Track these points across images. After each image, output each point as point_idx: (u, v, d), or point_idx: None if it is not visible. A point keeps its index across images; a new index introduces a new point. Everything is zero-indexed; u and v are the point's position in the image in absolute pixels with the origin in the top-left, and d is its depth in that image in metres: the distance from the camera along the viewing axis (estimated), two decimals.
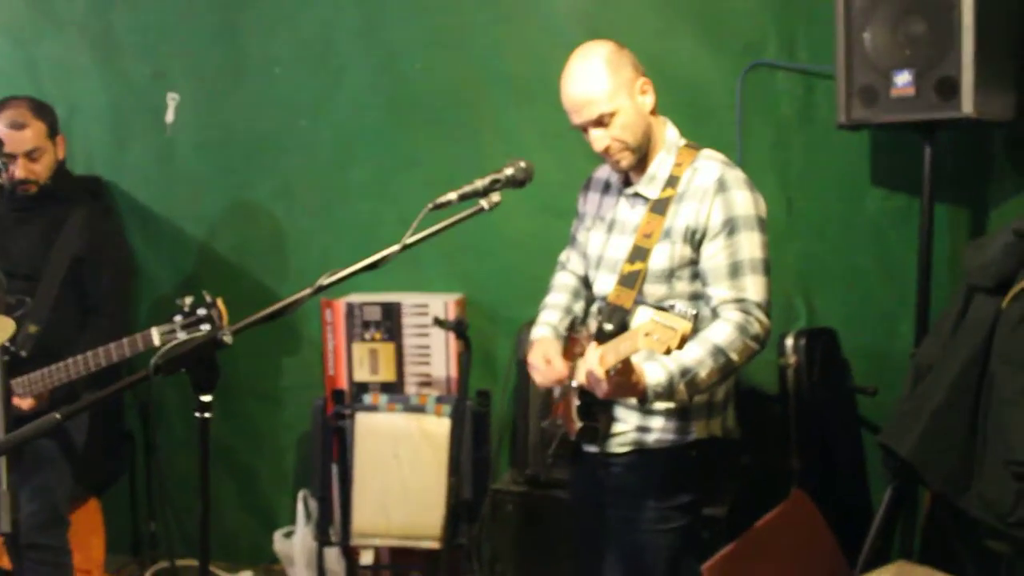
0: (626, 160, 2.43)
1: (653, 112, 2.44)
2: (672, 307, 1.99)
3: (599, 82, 2.33)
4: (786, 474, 3.15)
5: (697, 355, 2.25)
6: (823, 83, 3.28)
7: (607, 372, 2.17)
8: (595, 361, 2.17)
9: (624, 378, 2.17)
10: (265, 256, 4.01)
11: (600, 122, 2.37)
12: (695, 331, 2.12)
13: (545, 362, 2.53)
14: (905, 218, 3.29)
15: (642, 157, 2.44)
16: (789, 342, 3.20)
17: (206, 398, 1.91)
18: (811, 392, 3.16)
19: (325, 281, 2.02)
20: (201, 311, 2.88)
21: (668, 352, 1.97)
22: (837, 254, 3.42)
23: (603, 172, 2.61)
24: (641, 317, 2.39)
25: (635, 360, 2.20)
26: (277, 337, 3.96)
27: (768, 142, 3.42)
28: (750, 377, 3.29)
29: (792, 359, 3.18)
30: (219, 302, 2.90)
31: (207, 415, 1.92)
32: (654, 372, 2.22)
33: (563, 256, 2.86)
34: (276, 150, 3.95)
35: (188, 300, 2.90)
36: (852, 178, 3.37)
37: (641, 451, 2.44)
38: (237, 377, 3.97)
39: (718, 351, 2.27)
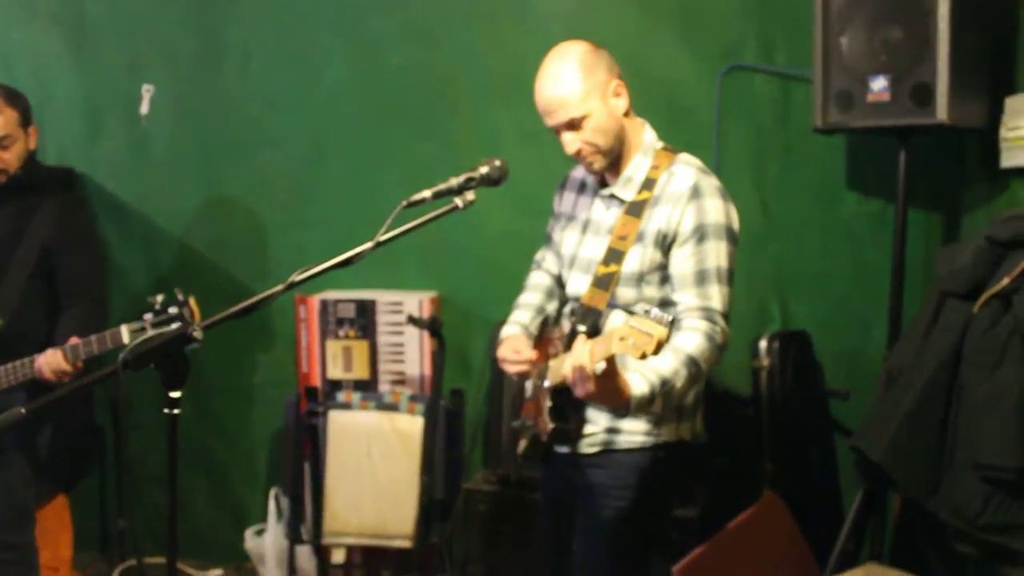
0: (598, 163, 2.44)
1: (627, 114, 2.44)
2: (648, 312, 1.98)
3: (571, 86, 2.33)
4: (758, 476, 3.16)
5: (672, 365, 2.24)
6: (800, 87, 3.31)
7: (593, 372, 2.15)
8: (584, 355, 2.14)
9: (610, 382, 2.16)
10: (240, 251, 4.00)
11: (572, 125, 2.37)
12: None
13: (515, 352, 2.54)
14: (879, 223, 3.32)
15: (616, 159, 2.45)
16: (763, 345, 3.21)
17: (175, 394, 1.91)
18: (784, 395, 3.18)
19: (298, 277, 2.02)
20: (173, 310, 2.86)
21: (643, 357, 1.97)
22: (812, 258, 3.44)
23: (579, 172, 2.62)
24: (615, 320, 2.40)
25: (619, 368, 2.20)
26: (250, 333, 3.95)
27: (745, 145, 3.45)
28: (723, 379, 3.32)
29: (766, 362, 3.19)
30: (191, 301, 2.88)
31: (176, 411, 1.91)
32: (638, 384, 2.22)
33: (539, 255, 2.86)
34: (252, 144, 3.94)
35: (160, 298, 2.88)
36: (828, 182, 3.39)
37: (610, 452, 2.44)
38: (209, 374, 3.95)
39: (691, 361, 2.27)
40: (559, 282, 2.75)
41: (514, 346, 2.55)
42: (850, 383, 3.29)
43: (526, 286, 2.81)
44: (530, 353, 2.52)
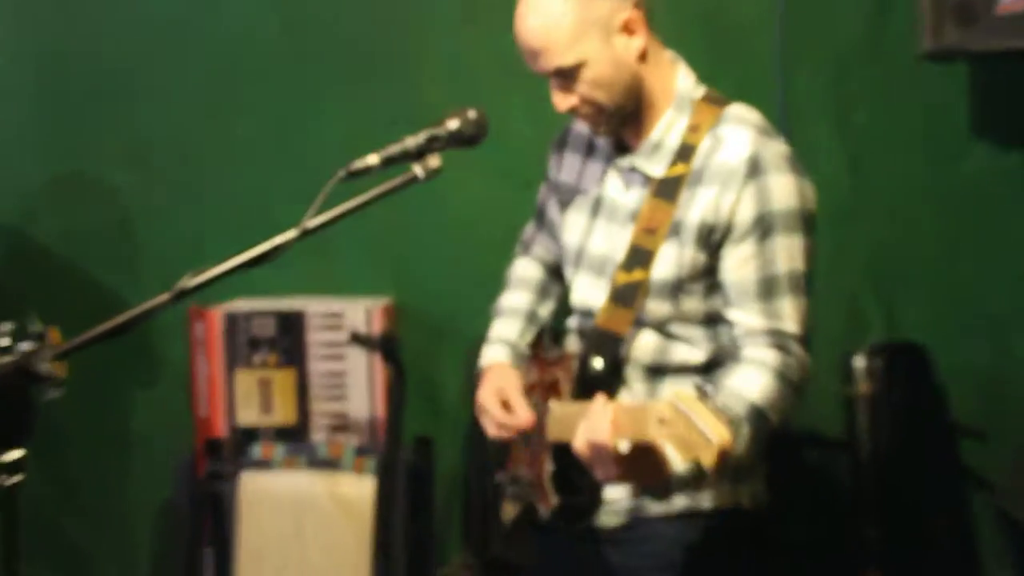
0: (603, 127, 2.47)
1: (645, 57, 2.43)
2: (708, 394, 2.02)
3: (555, 20, 2.35)
4: (857, 550, 3.19)
5: (732, 411, 2.24)
6: None
7: (618, 451, 2.14)
8: (604, 429, 2.12)
9: (641, 461, 2.15)
10: (104, 246, 4.01)
11: (561, 75, 2.40)
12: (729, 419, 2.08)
13: (502, 406, 2.56)
14: (1021, 184, 3.34)
15: (635, 116, 2.47)
16: (859, 364, 3.22)
17: (14, 455, 1.90)
18: (891, 434, 3.21)
19: (190, 283, 2.03)
20: (25, 345, 2.82)
21: (694, 462, 1.96)
22: (924, 237, 3.47)
23: (584, 125, 2.63)
24: (645, 344, 2.45)
25: None
26: (123, 364, 3.93)
27: (822, 82, 3.48)
28: (803, 413, 3.19)
29: (863, 387, 3.21)
30: (53, 333, 2.84)
31: (15, 479, 1.90)
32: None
33: (526, 233, 2.89)
34: (125, 95, 3.94)
35: (6, 328, 2.84)
36: (943, 130, 3.42)
37: (640, 523, 2.46)
38: (64, 423, 3.90)
39: (756, 414, 2.27)
40: (556, 273, 2.78)
41: (500, 391, 2.58)
42: (986, 417, 3.31)
43: (509, 280, 2.83)
44: (524, 414, 2.54)
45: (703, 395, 2.02)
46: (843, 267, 3.45)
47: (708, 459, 1.92)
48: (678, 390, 2.03)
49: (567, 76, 2.39)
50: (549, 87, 2.44)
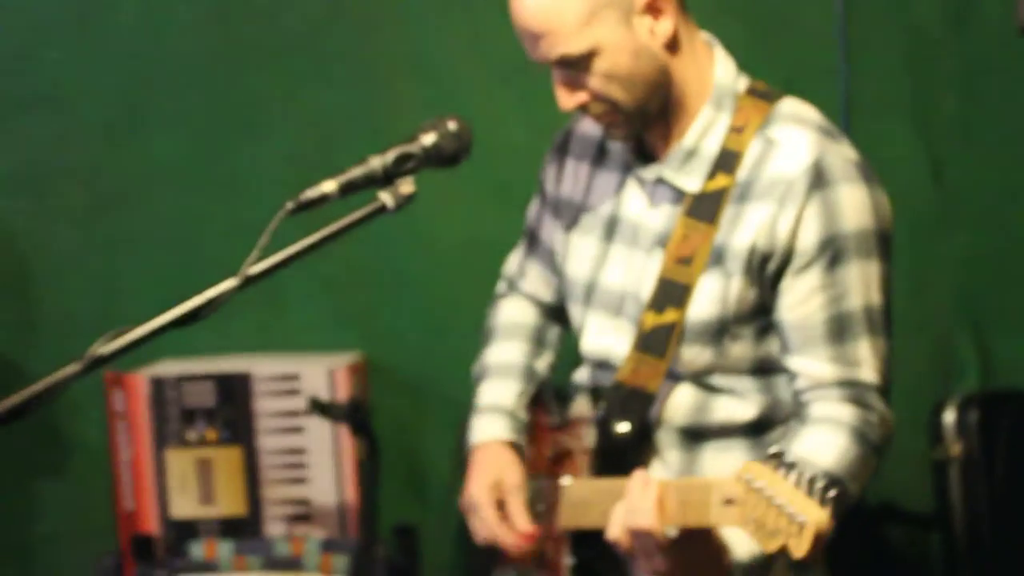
0: (620, 130, 2.49)
1: (674, 45, 2.44)
2: (790, 465, 1.99)
3: (560, 1, 2.35)
4: None
5: (825, 480, 2.24)
6: None
7: (665, 537, 2.16)
8: (649, 507, 2.14)
9: (694, 549, 2.18)
10: None
11: (566, 65, 2.41)
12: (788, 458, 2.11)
13: (497, 509, 2.57)
14: None
15: (662, 115, 2.47)
16: (949, 418, 3.23)
17: None
18: (994, 503, 3.21)
19: (106, 348, 2.01)
20: None
21: (782, 552, 1.97)
22: None
23: (593, 124, 2.63)
24: (681, 402, 2.48)
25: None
26: (24, 448, 3.88)
27: (896, 66, 3.49)
28: (882, 481, 3.22)
29: (956, 448, 3.22)
30: None
31: None
32: (744, 540, 2.21)
33: (511, 265, 2.92)
34: (5, 105, 3.93)
35: None
36: None
37: None
38: None
39: (837, 494, 2.25)
40: (554, 315, 2.80)
41: (498, 488, 2.60)
42: None
43: (493, 330, 2.87)
44: (524, 526, 2.56)
45: (779, 464, 2.00)
46: (927, 297, 3.48)
47: (800, 547, 1.92)
48: (748, 463, 2.03)
49: (575, 67, 2.40)
50: (551, 81, 2.44)
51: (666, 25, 2.41)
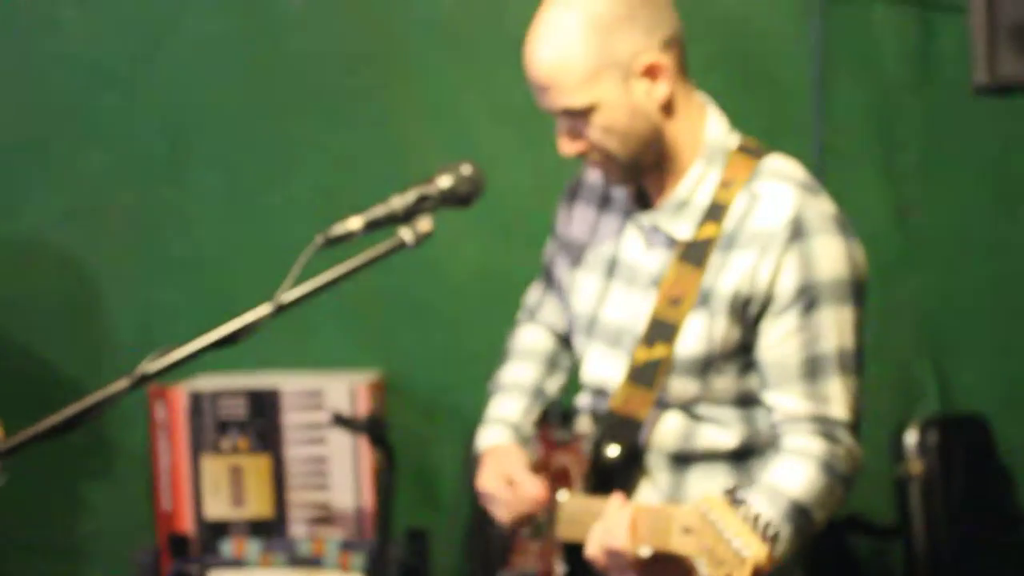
0: (615, 176, 2.58)
1: (669, 108, 2.51)
2: (736, 496, 2.03)
3: (568, 57, 2.42)
4: None
5: (768, 519, 2.19)
6: (949, 21, 3.45)
7: (638, 557, 2.24)
8: (622, 535, 2.23)
9: (663, 571, 2.25)
10: (50, 321, 4.08)
11: (569, 115, 2.48)
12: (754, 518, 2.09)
13: (507, 485, 2.64)
14: None
15: (657, 166, 2.55)
16: (911, 440, 3.33)
17: None
18: (948, 520, 3.28)
19: (153, 367, 2.10)
20: None
21: None
22: (984, 293, 3.57)
23: (599, 174, 2.72)
24: (669, 429, 2.55)
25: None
26: (73, 453, 3.89)
27: (863, 118, 3.58)
28: (849, 496, 3.25)
29: (916, 467, 3.31)
30: None
31: None
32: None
33: (531, 296, 2.98)
34: (66, 144, 4.01)
35: None
36: (1003, 171, 3.53)
37: None
38: (8, 522, 3.97)
39: (798, 512, 2.38)
40: (567, 343, 2.86)
41: (503, 471, 2.67)
42: None
43: (511, 352, 2.94)
44: (533, 487, 2.62)
45: (734, 500, 2.03)
46: (891, 331, 3.52)
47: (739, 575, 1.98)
48: (707, 495, 2.09)
49: (576, 118, 2.46)
50: (555, 127, 2.53)
51: (662, 89, 2.45)
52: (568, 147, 2.52)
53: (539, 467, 2.72)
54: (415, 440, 3.82)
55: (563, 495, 2.62)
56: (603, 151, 2.49)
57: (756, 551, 1.96)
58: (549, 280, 2.89)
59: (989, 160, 3.59)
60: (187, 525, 3.77)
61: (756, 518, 1.99)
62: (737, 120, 2.65)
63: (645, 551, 2.21)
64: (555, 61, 2.43)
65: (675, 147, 2.53)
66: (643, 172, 2.55)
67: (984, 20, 3.12)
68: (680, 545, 2.09)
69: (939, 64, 3.55)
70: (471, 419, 3.46)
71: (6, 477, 2.05)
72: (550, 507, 2.62)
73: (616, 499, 2.32)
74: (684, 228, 2.53)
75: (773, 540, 1.98)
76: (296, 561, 3.63)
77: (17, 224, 4.10)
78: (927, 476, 3.32)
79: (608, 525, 2.27)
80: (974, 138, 3.57)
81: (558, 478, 2.66)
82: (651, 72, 2.46)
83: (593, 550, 2.31)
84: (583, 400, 2.76)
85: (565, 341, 2.87)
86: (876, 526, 3.44)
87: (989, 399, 3.57)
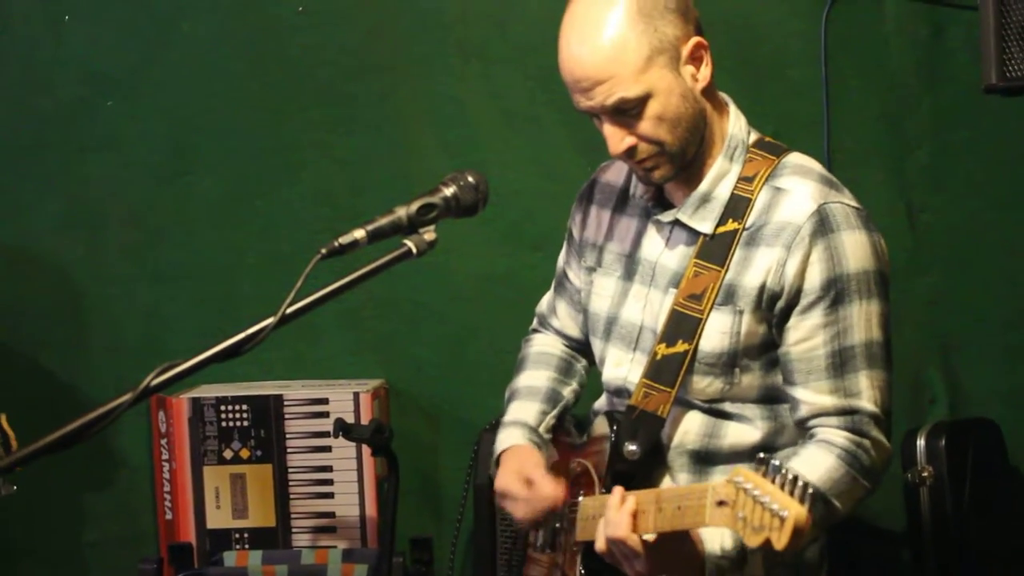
0: (662, 171, 2.50)
1: (709, 91, 2.50)
2: (770, 463, 1.98)
3: (621, 47, 2.39)
4: None
5: (806, 480, 2.22)
6: (959, 19, 3.43)
7: (643, 540, 2.22)
8: (622, 519, 2.22)
9: (670, 548, 2.23)
10: (50, 329, 4.04)
11: (621, 111, 2.42)
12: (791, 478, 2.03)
13: (525, 485, 2.60)
14: None
15: (690, 162, 2.51)
16: (921, 443, 3.27)
17: None
18: (959, 525, 3.23)
19: (157, 379, 2.05)
20: None
21: (766, 546, 1.96)
22: (994, 297, 3.54)
23: (616, 173, 2.70)
24: (691, 428, 2.52)
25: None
26: (76, 460, 3.66)
27: (874, 120, 3.54)
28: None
29: (927, 471, 3.25)
30: (2, 420, 2.91)
31: None
32: (715, 537, 2.29)
33: (544, 304, 2.94)
34: (66, 149, 4.00)
35: None
36: (1013, 171, 3.49)
37: None
38: (12, 532, 3.97)
39: (818, 498, 2.32)
40: (582, 349, 2.83)
41: (521, 470, 2.63)
42: None
43: (525, 358, 2.89)
44: (550, 487, 2.59)
45: (767, 468, 1.99)
46: (902, 332, 3.29)
47: (781, 540, 1.93)
48: (737, 467, 2.05)
49: (628, 111, 2.42)
50: (595, 125, 2.47)
51: (706, 72, 2.45)
52: (619, 143, 2.46)
53: (557, 468, 2.69)
54: (419, 448, 3.81)
55: (584, 499, 2.58)
56: (655, 141, 2.45)
57: (796, 511, 1.92)
58: (561, 286, 2.87)
59: (999, 161, 3.55)
60: (189, 535, 3.74)
61: (795, 480, 1.95)
62: (747, 119, 2.62)
63: (650, 536, 2.20)
64: (609, 53, 2.39)
65: (710, 137, 2.52)
66: (687, 165, 2.51)
67: (994, 20, 3.06)
68: (714, 519, 2.06)
69: (949, 64, 3.53)
70: (474, 426, 3.58)
71: (13, 488, 1.94)
72: (568, 507, 2.60)
73: (617, 491, 2.29)
74: (705, 223, 2.51)
75: (812, 500, 1.95)
76: (299, 571, 3.60)
77: (18, 231, 4.09)
78: (937, 481, 3.27)
79: (609, 518, 2.25)
80: (984, 139, 3.53)
81: (576, 480, 2.64)
82: (696, 53, 2.45)
83: (599, 543, 2.29)
84: (601, 403, 2.74)
85: (578, 347, 2.86)
86: (886, 531, 3.44)
87: (999, 403, 3.54)
